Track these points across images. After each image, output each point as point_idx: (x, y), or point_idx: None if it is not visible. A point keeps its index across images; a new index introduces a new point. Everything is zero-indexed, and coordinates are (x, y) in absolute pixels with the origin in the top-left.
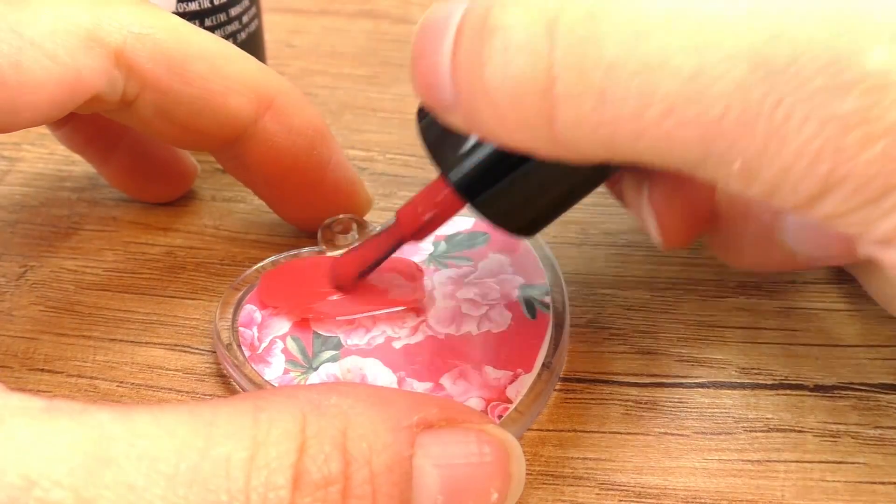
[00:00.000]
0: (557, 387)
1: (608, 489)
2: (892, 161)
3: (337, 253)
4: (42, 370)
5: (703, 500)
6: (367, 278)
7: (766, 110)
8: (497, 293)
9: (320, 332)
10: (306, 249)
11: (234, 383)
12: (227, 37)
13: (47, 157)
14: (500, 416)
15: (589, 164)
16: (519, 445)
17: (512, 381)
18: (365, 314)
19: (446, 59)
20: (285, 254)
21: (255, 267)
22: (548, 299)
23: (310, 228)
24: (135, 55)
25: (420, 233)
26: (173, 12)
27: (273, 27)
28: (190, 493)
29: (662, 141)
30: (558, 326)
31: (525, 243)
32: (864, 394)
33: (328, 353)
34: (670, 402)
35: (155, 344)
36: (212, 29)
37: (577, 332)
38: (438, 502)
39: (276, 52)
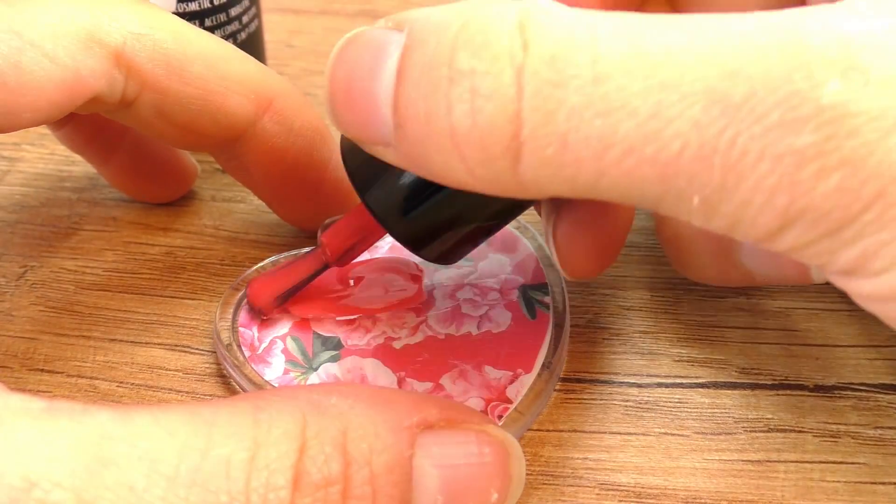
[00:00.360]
0: (557, 387)
1: (608, 489)
2: (848, 193)
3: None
4: (42, 370)
5: (703, 501)
6: (367, 279)
7: (722, 146)
8: (497, 293)
9: (320, 333)
10: (306, 250)
11: (234, 384)
12: (226, 37)
13: (47, 157)
14: (500, 417)
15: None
16: (519, 446)
17: (512, 382)
18: (365, 314)
19: (385, 93)
20: (285, 254)
21: (254, 267)
22: (548, 299)
23: (310, 228)
24: (134, 55)
25: (344, 258)
26: (173, 12)
27: (273, 27)
28: (190, 493)
29: (623, 179)
30: (558, 326)
31: (524, 243)
32: (863, 394)
33: (328, 354)
34: (670, 402)
35: (155, 344)
36: (212, 29)
37: (577, 332)
38: (438, 502)
39: (276, 53)
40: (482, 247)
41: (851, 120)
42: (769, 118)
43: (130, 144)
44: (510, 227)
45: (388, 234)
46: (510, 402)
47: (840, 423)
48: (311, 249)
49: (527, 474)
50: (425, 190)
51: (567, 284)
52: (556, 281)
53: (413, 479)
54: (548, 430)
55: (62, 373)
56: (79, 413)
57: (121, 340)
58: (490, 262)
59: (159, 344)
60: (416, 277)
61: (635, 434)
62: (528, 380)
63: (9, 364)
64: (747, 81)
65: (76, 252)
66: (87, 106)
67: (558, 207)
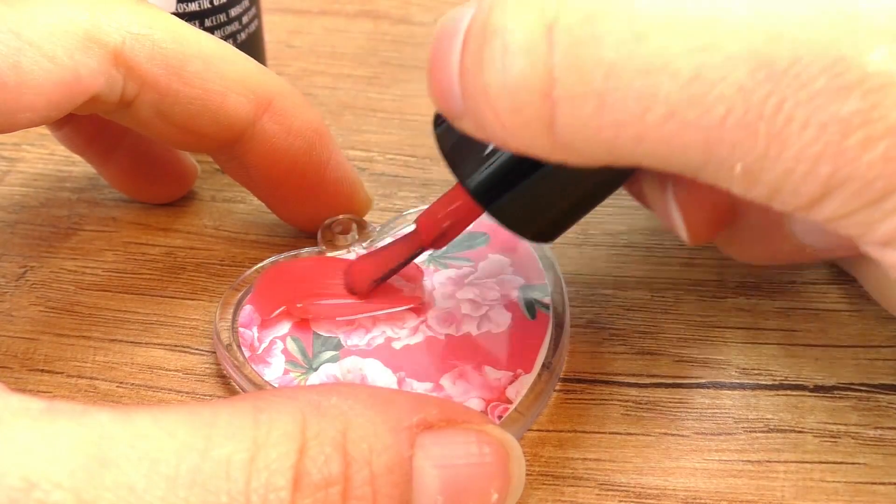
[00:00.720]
0: (557, 387)
1: (608, 490)
2: (893, 162)
3: (337, 254)
4: (42, 371)
5: (703, 501)
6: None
7: (767, 113)
8: (497, 294)
9: (320, 333)
10: (306, 250)
11: (234, 384)
12: (226, 37)
13: (47, 157)
14: (500, 417)
15: (598, 167)
16: (519, 446)
17: (512, 382)
18: (365, 314)
19: (455, 65)
20: (285, 254)
21: (254, 267)
22: (548, 300)
23: (309, 229)
24: (133, 55)
25: (440, 240)
26: (173, 13)
27: (273, 27)
28: (190, 494)
29: (664, 145)
30: (558, 327)
31: (524, 244)
32: (864, 394)
33: (328, 354)
34: (670, 402)
35: (155, 344)
36: (211, 29)
37: (578, 333)
38: (438, 503)
39: (276, 53)
40: (482, 247)
41: None
42: (815, 84)
43: (130, 145)
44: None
45: (483, 215)
46: (510, 402)
47: (840, 424)
48: (407, 233)
49: (527, 474)
50: (516, 168)
51: (567, 285)
52: (556, 281)
53: (413, 480)
54: (548, 431)
55: (62, 373)
56: (79, 414)
57: (121, 341)
58: (490, 262)
59: (159, 344)
60: (417, 278)
61: (635, 434)
62: (528, 380)
63: (9, 364)
64: (793, 46)
65: (76, 252)
66: (86, 106)
67: (672, 177)
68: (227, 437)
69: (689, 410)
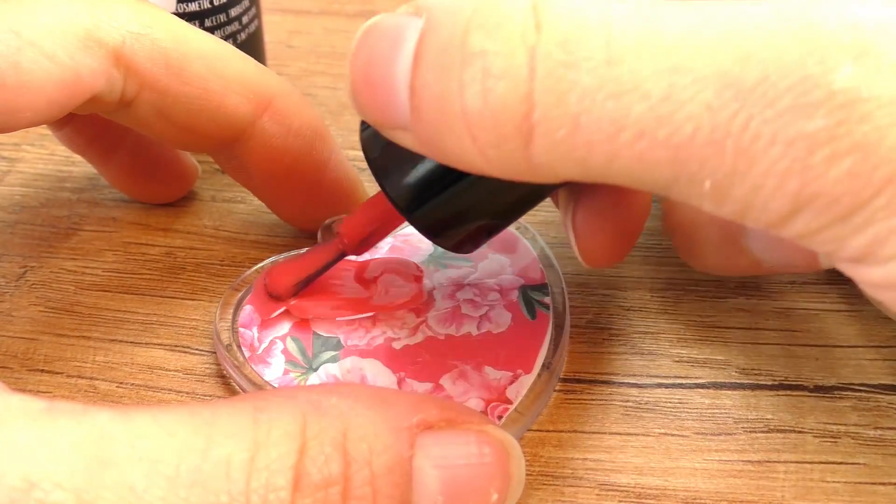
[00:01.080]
0: (557, 387)
1: (608, 490)
2: (859, 178)
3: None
4: (42, 371)
5: (703, 501)
6: (368, 280)
7: (735, 130)
8: (497, 294)
9: (320, 333)
10: (306, 250)
11: (234, 384)
12: (226, 37)
13: (47, 157)
14: (500, 417)
15: (547, 184)
16: (519, 446)
17: (512, 382)
18: (365, 315)
19: (403, 76)
20: (285, 254)
21: (254, 268)
22: (548, 300)
23: (310, 229)
24: (133, 55)
25: (361, 246)
26: (173, 13)
27: (273, 28)
28: (191, 494)
29: (635, 162)
30: (558, 327)
31: (524, 243)
32: (863, 394)
33: (328, 354)
34: (670, 402)
35: (155, 345)
36: (211, 29)
37: (577, 333)
38: (438, 503)
39: (276, 53)
40: (482, 247)
41: (863, 105)
42: (781, 102)
43: (131, 145)
44: (510, 228)
45: (403, 225)
46: (510, 402)
47: (840, 424)
48: (328, 239)
49: (527, 475)
50: (443, 178)
51: (567, 285)
52: (556, 281)
53: (413, 480)
54: (548, 431)
55: (62, 373)
56: (79, 413)
57: (120, 341)
58: (490, 262)
59: (159, 344)
60: (417, 278)
61: (635, 434)
62: (528, 380)
63: (9, 364)
64: (760, 65)
65: (76, 252)
66: (86, 106)
67: (576, 197)
68: (228, 437)
69: (689, 410)
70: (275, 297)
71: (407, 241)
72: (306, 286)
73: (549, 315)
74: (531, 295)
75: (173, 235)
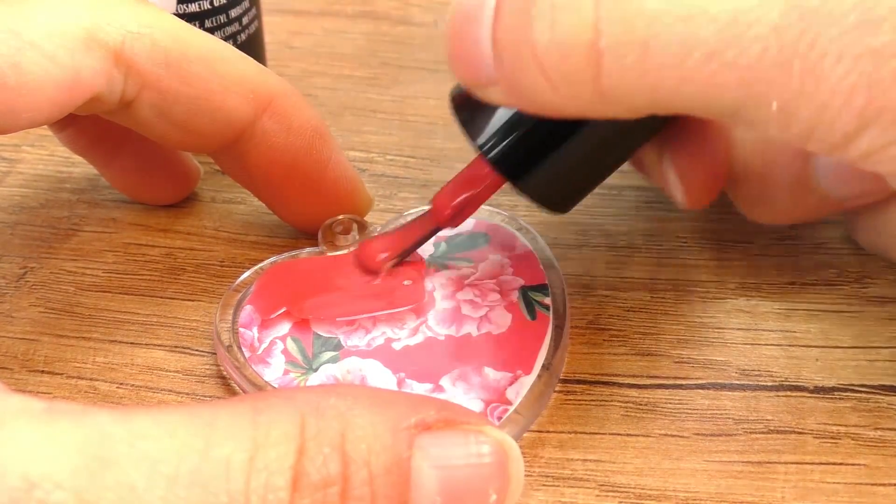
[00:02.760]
0: (557, 388)
1: (608, 490)
2: None
3: (337, 253)
4: (42, 371)
5: (703, 502)
6: (369, 280)
7: (801, 49)
8: (497, 294)
9: (320, 334)
10: (307, 250)
11: (234, 385)
12: (227, 38)
13: (47, 158)
14: (499, 418)
15: (630, 119)
16: (518, 447)
17: (512, 383)
18: (365, 315)
19: (486, 31)
20: (285, 255)
21: (254, 268)
22: (548, 300)
23: (310, 229)
24: (133, 55)
25: (456, 218)
26: (173, 13)
27: (273, 28)
28: (190, 494)
29: (704, 86)
30: (558, 328)
31: (525, 244)
32: (864, 395)
33: (328, 355)
34: (670, 403)
35: (155, 345)
36: (212, 30)
37: (578, 334)
38: (437, 503)
39: (276, 54)
40: (483, 248)
41: None
42: (847, 20)
43: (134, 147)
44: (510, 228)
45: (501, 188)
46: (510, 403)
47: (840, 425)
48: (423, 212)
49: (527, 475)
50: (541, 134)
51: (567, 285)
52: (556, 282)
53: (411, 480)
54: (548, 432)
55: (62, 374)
56: (79, 414)
57: (121, 342)
58: (490, 263)
59: (159, 345)
60: (417, 279)
61: (635, 435)
62: (527, 381)
63: (9, 365)
64: None
65: (76, 253)
66: (86, 106)
67: (669, 146)
68: (227, 438)
69: (690, 411)
70: (369, 272)
71: None
72: (401, 261)
73: (549, 316)
74: (531, 296)
75: (173, 236)
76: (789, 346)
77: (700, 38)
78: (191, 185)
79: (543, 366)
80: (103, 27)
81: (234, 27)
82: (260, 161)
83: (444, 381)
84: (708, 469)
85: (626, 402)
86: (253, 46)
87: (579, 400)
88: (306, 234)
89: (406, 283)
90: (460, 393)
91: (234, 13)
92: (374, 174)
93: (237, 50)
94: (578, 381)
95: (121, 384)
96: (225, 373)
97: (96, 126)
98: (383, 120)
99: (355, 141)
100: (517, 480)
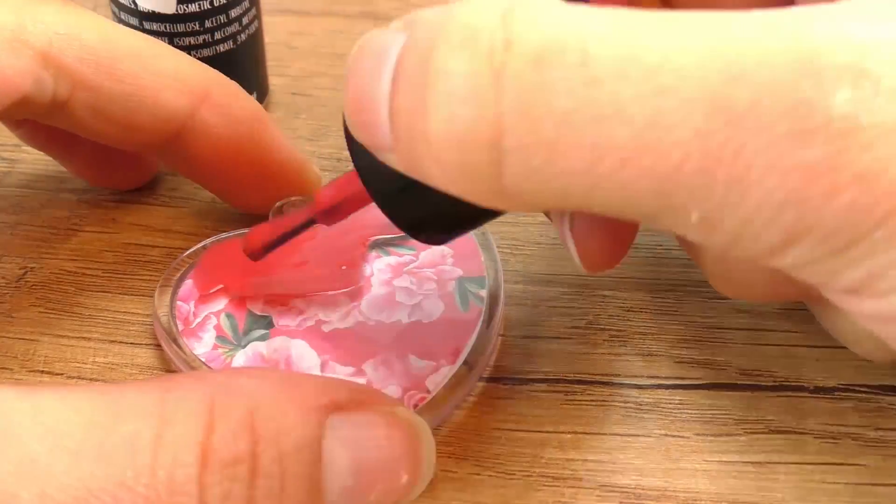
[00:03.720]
0: (558, 388)
1: (609, 491)
2: (860, 211)
3: None
4: (41, 372)
5: (703, 502)
6: (310, 259)
7: (726, 158)
8: (434, 283)
9: (254, 311)
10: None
11: (167, 358)
12: (227, 38)
13: (47, 158)
14: (415, 406)
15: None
16: (429, 429)
17: (433, 372)
18: (299, 297)
19: (384, 99)
20: (231, 233)
21: (200, 244)
22: (483, 293)
23: (263, 213)
24: (61, 55)
25: (332, 215)
26: (172, 14)
27: (273, 29)
28: (96, 468)
29: (617, 192)
30: (489, 320)
31: (470, 236)
32: (864, 395)
33: (258, 332)
34: (671, 403)
35: (155, 346)
36: (212, 31)
37: (577, 334)
38: (347, 483)
39: (276, 54)
40: None
41: (863, 133)
42: (776, 129)
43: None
44: None
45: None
46: (428, 392)
47: (841, 425)
48: (305, 202)
49: (527, 476)
50: (416, 188)
51: (567, 287)
52: (495, 276)
53: (323, 460)
54: (548, 432)
55: (62, 374)
56: None
57: (121, 342)
58: (432, 252)
59: (159, 346)
60: (356, 263)
61: (636, 435)
62: (448, 371)
63: (8, 365)
64: (752, 87)
65: (76, 253)
66: (18, 108)
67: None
68: (134, 415)
69: (690, 411)
70: (250, 256)
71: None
72: (274, 248)
73: (481, 307)
74: (467, 287)
75: (174, 237)
76: (789, 345)
77: (614, 142)
78: (153, 168)
79: (467, 357)
80: (28, 28)
81: (234, 27)
82: (204, 153)
83: (367, 367)
84: (708, 469)
85: (627, 403)
86: (253, 46)
87: (579, 400)
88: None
89: (343, 268)
90: (380, 378)
91: (234, 13)
92: None
93: (168, 46)
94: (579, 382)
95: None
96: (162, 347)
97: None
98: None
99: None
100: (429, 462)
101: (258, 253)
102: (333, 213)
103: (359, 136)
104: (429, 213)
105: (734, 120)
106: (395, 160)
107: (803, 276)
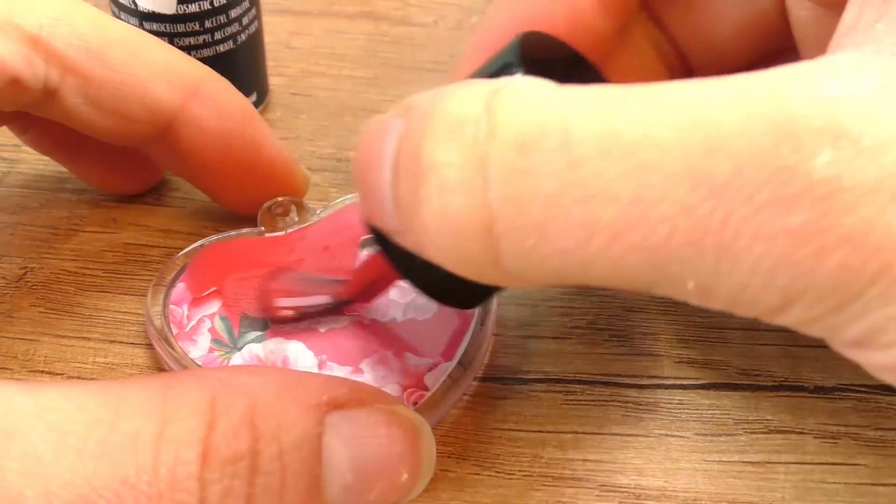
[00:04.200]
0: (557, 388)
1: (608, 491)
2: (851, 271)
3: (275, 234)
4: (42, 372)
5: (703, 502)
6: (305, 258)
7: (713, 228)
8: None
9: (248, 314)
10: (245, 230)
11: (161, 361)
12: (226, 38)
13: (47, 158)
14: (415, 403)
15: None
16: (429, 427)
17: (431, 370)
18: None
19: (388, 188)
20: (222, 234)
21: (192, 245)
22: None
23: (250, 213)
24: (52, 40)
25: (366, 293)
26: (172, 13)
27: (273, 29)
28: (98, 466)
29: (612, 267)
30: (483, 317)
31: None
32: (864, 395)
33: (254, 334)
34: (670, 403)
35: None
36: (212, 31)
37: (578, 334)
38: (348, 481)
39: (276, 54)
40: None
41: (846, 195)
42: (759, 196)
43: (98, 142)
44: None
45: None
46: (427, 389)
47: (840, 425)
48: (336, 281)
49: (527, 476)
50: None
51: (567, 286)
52: None
53: (322, 457)
54: (548, 432)
55: (62, 374)
56: None
57: (121, 342)
58: None
59: None
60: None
61: (635, 435)
62: (446, 368)
63: (8, 365)
64: (732, 158)
65: (76, 253)
66: (10, 95)
67: None
68: (136, 412)
69: (690, 411)
70: (262, 312)
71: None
72: (301, 320)
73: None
74: None
75: (174, 236)
76: (789, 345)
77: (602, 221)
78: (159, 173)
79: (464, 354)
80: (19, 12)
81: (234, 27)
82: (193, 147)
83: (364, 365)
84: (708, 469)
85: (627, 402)
86: (253, 46)
87: (579, 400)
88: (247, 218)
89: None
90: (379, 377)
91: (234, 13)
92: None
93: (159, 39)
94: (579, 382)
95: None
96: (154, 349)
97: (59, 127)
98: None
99: (355, 141)
100: (429, 460)
101: (273, 316)
102: (368, 291)
103: (371, 221)
104: (449, 286)
105: (717, 191)
106: (406, 243)
107: (808, 332)
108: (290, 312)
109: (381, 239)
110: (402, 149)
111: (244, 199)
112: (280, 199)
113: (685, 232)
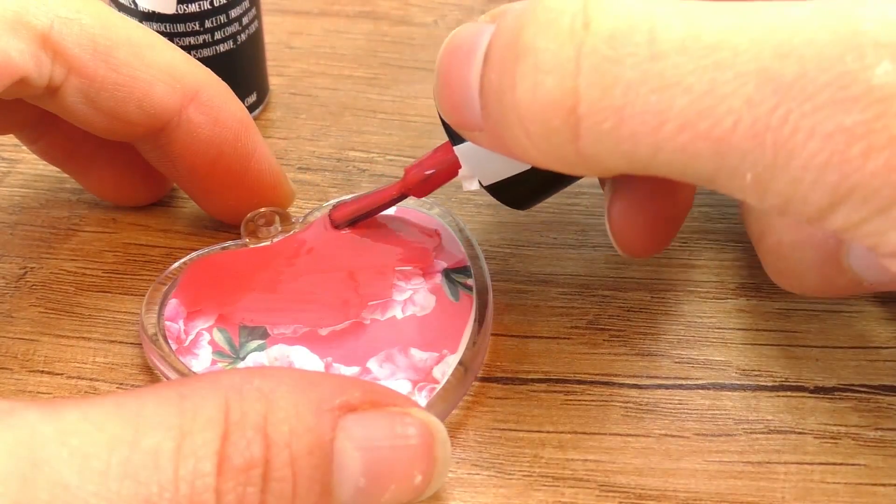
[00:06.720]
0: (557, 388)
1: (608, 491)
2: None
3: (259, 245)
4: (41, 372)
5: (703, 502)
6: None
7: (774, 124)
8: (420, 278)
9: (246, 323)
10: (230, 243)
11: (160, 375)
12: (226, 38)
13: None
14: (429, 395)
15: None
16: (444, 428)
17: (438, 362)
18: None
19: (475, 79)
20: (209, 248)
21: (180, 261)
22: (471, 281)
23: (233, 221)
24: (62, 39)
25: (421, 187)
26: (172, 13)
27: (273, 28)
28: (122, 487)
29: (678, 154)
30: (482, 306)
31: (446, 228)
32: (864, 395)
33: (255, 343)
34: (670, 403)
35: None
36: (212, 31)
37: (577, 334)
38: (360, 484)
39: (276, 54)
40: (403, 234)
41: None
42: (820, 97)
43: (107, 154)
44: (431, 214)
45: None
46: (437, 382)
47: (840, 425)
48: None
49: (527, 476)
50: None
51: (567, 287)
52: (477, 263)
53: (335, 462)
54: (548, 432)
55: (62, 374)
56: (6, 414)
57: (121, 342)
58: (412, 248)
59: None
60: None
61: (635, 436)
62: (453, 360)
63: (8, 365)
64: (799, 61)
65: (76, 253)
66: (14, 90)
67: (616, 185)
68: (154, 427)
69: (690, 412)
70: (336, 227)
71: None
72: (362, 220)
73: (472, 296)
74: (454, 277)
75: (173, 236)
76: (789, 346)
77: (674, 109)
78: (168, 184)
79: (469, 344)
80: (31, 10)
81: (234, 27)
82: (185, 151)
83: (371, 364)
84: (708, 469)
85: (627, 403)
86: (253, 46)
87: (579, 400)
88: (229, 227)
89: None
90: (387, 374)
91: (234, 13)
92: (375, 174)
93: (166, 40)
94: (578, 382)
95: (121, 384)
96: (151, 364)
97: (69, 138)
98: (383, 120)
99: (355, 141)
100: (443, 462)
101: (343, 223)
102: (423, 186)
103: (449, 118)
104: (512, 181)
105: (782, 90)
106: (483, 138)
107: (856, 239)
108: (348, 214)
109: (451, 133)
110: (494, 41)
111: (228, 207)
112: (263, 209)
113: (748, 125)
